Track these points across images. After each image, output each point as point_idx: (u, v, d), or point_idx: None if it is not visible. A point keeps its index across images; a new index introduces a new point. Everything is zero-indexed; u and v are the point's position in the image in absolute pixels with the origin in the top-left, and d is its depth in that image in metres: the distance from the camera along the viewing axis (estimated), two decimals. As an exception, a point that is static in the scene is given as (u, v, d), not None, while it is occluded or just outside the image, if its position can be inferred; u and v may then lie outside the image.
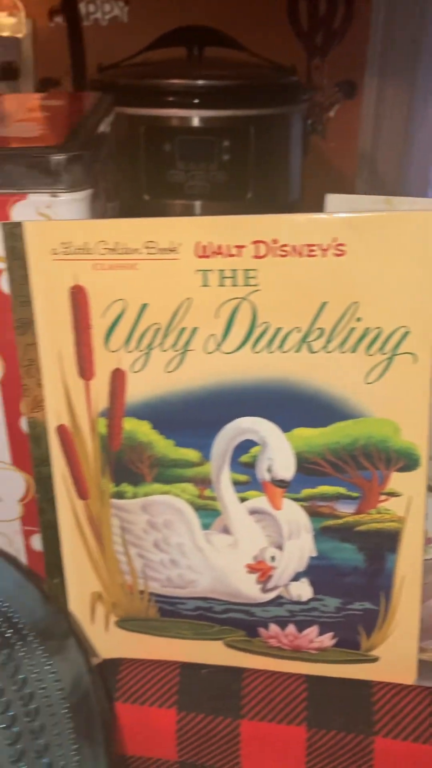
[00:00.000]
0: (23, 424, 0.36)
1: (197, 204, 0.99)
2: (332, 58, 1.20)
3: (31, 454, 0.35)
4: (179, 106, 0.96)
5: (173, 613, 0.36)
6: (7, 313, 0.34)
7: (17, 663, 0.30)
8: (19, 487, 0.38)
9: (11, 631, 0.32)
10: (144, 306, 0.31)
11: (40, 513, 0.36)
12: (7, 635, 0.31)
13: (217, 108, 0.97)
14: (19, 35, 1.14)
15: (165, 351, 0.32)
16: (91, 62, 1.10)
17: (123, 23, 1.18)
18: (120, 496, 0.34)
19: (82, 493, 0.35)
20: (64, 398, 0.34)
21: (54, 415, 0.34)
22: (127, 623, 0.37)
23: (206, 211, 0.98)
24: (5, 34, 1.14)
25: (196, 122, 0.98)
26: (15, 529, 0.39)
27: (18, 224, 0.31)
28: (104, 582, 0.36)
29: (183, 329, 0.31)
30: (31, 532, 0.39)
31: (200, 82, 0.99)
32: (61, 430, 0.34)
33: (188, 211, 0.98)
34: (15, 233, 0.31)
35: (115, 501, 0.35)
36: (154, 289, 0.31)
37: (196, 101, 0.96)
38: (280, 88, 1.02)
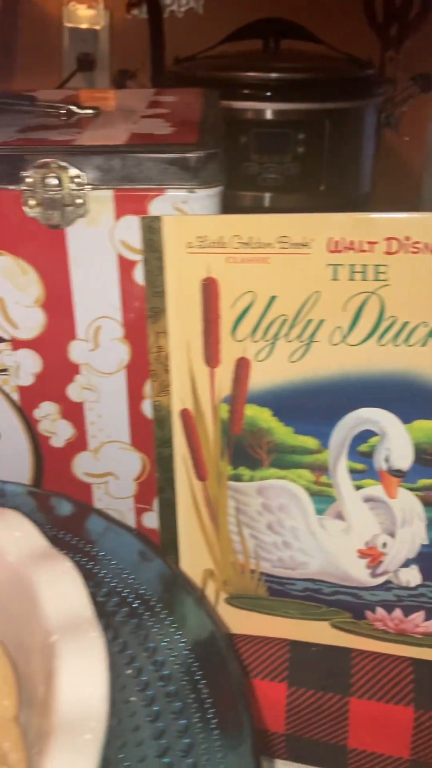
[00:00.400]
0: (145, 407, 0.38)
1: (271, 196, 1.00)
2: (407, 50, 1.19)
3: (154, 435, 0.36)
4: (255, 98, 0.97)
5: (282, 593, 0.37)
6: (139, 302, 0.36)
7: (146, 632, 0.32)
8: (135, 466, 0.40)
9: (138, 601, 0.33)
10: (273, 298, 0.33)
11: (159, 492, 0.37)
12: (134, 605, 0.33)
13: (293, 101, 0.97)
14: (97, 27, 1.17)
15: (290, 341, 0.33)
16: (166, 54, 1.12)
17: (198, 15, 1.19)
18: (237, 478, 0.36)
19: (201, 475, 0.37)
20: (189, 384, 0.35)
21: (178, 400, 0.36)
22: (236, 600, 0.38)
23: (279, 203, 0.99)
24: (84, 26, 1.16)
25: (271, 115, 0.98)
26: (128, 506, 0.41)
27: (157, 218, 0.33)
28: (216, 560, 0.38)
29: (309, 321, 0.33)
30: (143, 510, 0.41)
31: (276, 74, 1.00)
32: (185, 413, 0.36)
33: (260, 203, 0.99)
34: (153, 227, 0.33)
35: (232, 483, 0.36)
36: (284, 282, 0.32)
37: (272, 94, 0.97)
38: (356, 82, 1.02)
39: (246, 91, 0.98)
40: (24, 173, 0.33)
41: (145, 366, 0.37)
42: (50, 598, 0.27)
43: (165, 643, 0.31)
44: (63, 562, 0.29)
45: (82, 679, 0.24)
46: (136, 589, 0.34)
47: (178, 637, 0.31)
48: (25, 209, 0.33)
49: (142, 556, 0.35)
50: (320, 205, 0.97)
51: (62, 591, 0.28)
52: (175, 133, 0.36)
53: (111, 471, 0.40)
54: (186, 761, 0.27)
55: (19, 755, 0.24)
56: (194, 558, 0.38)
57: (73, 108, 0.41)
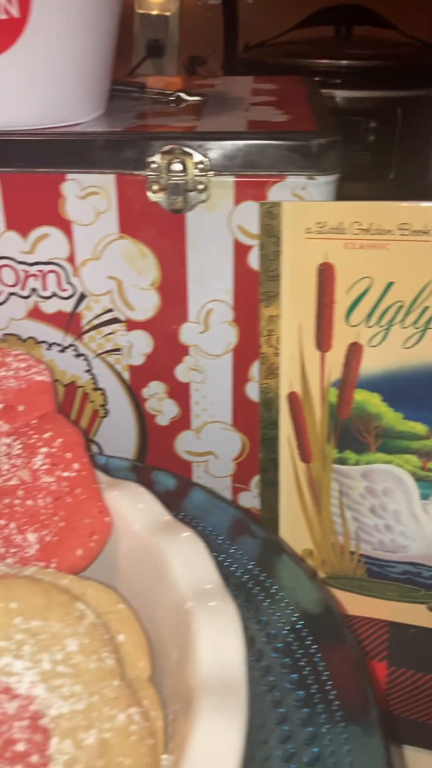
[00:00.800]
0: (249, 389, 0.39)
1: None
2: None
3: (259, 416, 0.37)
4: (326, 86, 0.97)
5: (380, 575, 0.38)
6: (251, 286, 0.36)
7: (256, 606, 0.33)
8: (235, 446, 0.41)
9: (247, 576, 0.35)
10: (390, 284, 0.33)
11: (261, 471, 0.38)
12: (243, 579, 0.34)
13: (365, 88, 0.97)
14: (168, 13, 1.17)
15: (405, 328, 0.34)
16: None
17: (268, 2, 1.18)
18: (342, 462, 0.37)
19: (305, 457, 0.37)
20: (299, 367, 0.36)
21: (287, 383, 0.37)
22: (334, 580, 0.39)
23: (346, 192, 0.98)
24: (154, 12, 1.17)
25: (342, 103, 0.98)
26: (225, 485, 0.42)
27: (277, 204, 0.33)
28: (316, 540, 0.39)
29: (426, 308, 0.33)
30: (240, 489, 0.42)
31: (347, 62, 0.99)
32: (292, 396, 0.37)
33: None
34: (273, 212, 0.34)
35: (336, 466, 0.37)
36: (403, 268, 0.33)
37: (343, 81, 0.96)
38: (430, 69, 1.00)
39: (317, 79, 0.98)
40: (150, 159, 0.34)
41: (251, 349, 0.38)
42: (180, 566, 0.28)
43: (277, 617, 0.32)
44: (187, 532, 0.30)
45: (221, 644, 0.25)
46: (245, 564, 0.35)
47: (291, 611, 0.32)
48: (149, 194, 0.34)
49: (248, 532, 0.36)
50: (389, 194, 0.97)
51: (190, 559, 0.29)
52: (291, 120, 0.37)
53: (211, 450, 0.41)
54: (306, 730, 0.28)
55: (157, 713, 0.26)
56: (294, 537, 0.39)
57: (182, 95, 0.42)
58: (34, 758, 0.22)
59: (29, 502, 0.31)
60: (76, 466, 0.32)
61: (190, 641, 0.26)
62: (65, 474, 0.32)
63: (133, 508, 0.32)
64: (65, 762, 0.22)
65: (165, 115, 0.39)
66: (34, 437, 0.33)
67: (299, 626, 0.32)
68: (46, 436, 0.33)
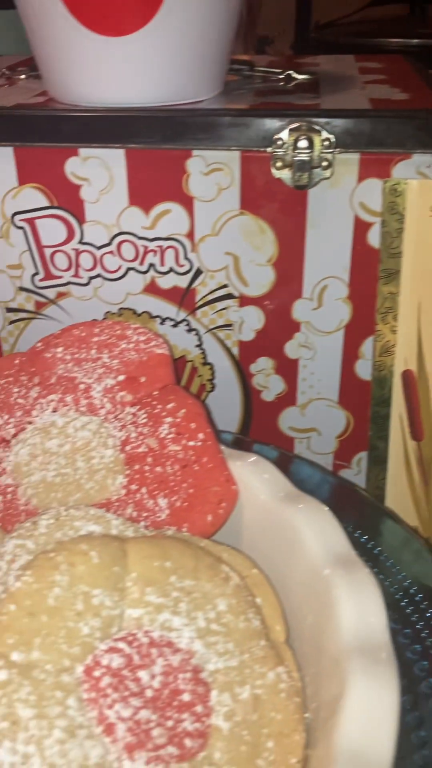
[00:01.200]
0: (358, 366, 0.39)
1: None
2: None
3: (371, 394, 0.38)
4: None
5: None
6: (369, 263, 0.37)
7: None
8: (339, 424, 0.41)
9: (359, 550, 0.35)
10: None
11: (370, 449, 0.39)
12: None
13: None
14: (236, -7, 1.16)
15: None
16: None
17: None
18: (454, 440, 0.37)
19: (417, 435, 0.38)
20: (416, 345, 0.36)
21: (402, 361, 0.37)
22: (438, 558, 0.40)
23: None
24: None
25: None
26: (326, 462, 0.43)
27: (402, 182, 0.34)
28: (423, 518, 0.39)
29: None
30: (341, 466, 0.43)
31: (421, 41, 0.97)
32: (407, 374, 0.37)
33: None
34: (398, 190, 0.34)
35: (448, 445, 0.37)
36: None
37: (418, 61, 0.95)
38: None
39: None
40: (276, 136, 0.34)
41: (363, 326, 0.38)
42: (312, 534, 0.29)
43: (394, 589, 0.33)
44: (314, 502, 0.31)
45: (364, 609, 0.26)
46: (357, 538, 0.35)
47: (408, 584, 0.33)
48: (273, 171, 0.35)
49: (358, 505, 0.37)
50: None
51: (321, 528, 0.29)
52: (412, 98, 0.37)
53: (315, 427, 0.42)
54: (433, 699, 0.29)
55: (296, 674, 0.27)
56: (400, 514, 0.39)
57: (293, 73, 0.42)
58: (199, 708, 0.23)
59: (158, 469, 0.32)
60: (201, 436, 0.33)
61: (332, 607, 0.26)
62: (191, 443, 0.33)
63: (258, 478, 0.32)
64: (225, 713, 0.23)
65: (283, 93, 0.39)
66: (158, 407, 0.34)
67: (418, 599, 0.32)
68: (169, 406, 0.34)
